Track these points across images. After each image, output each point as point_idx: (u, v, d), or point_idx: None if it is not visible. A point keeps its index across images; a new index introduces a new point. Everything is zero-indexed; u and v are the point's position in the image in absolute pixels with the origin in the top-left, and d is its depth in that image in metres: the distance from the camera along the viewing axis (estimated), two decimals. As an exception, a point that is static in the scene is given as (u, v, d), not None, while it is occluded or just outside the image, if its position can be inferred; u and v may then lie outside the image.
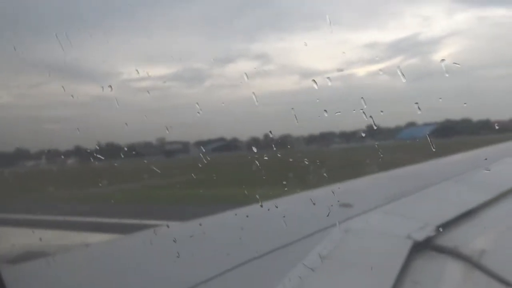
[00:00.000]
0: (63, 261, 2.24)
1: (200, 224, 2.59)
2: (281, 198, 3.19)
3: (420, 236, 2.29)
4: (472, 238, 2.45)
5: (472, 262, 2.14)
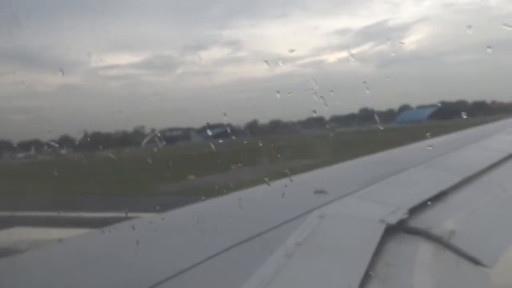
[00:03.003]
0: (33, 257, 2.19)
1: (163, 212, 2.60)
2: (260, 185, 3.20)
3: (393, 219, 2.33)
4: (442, 220, 2.52)
5: (443, 243, 2.21)
